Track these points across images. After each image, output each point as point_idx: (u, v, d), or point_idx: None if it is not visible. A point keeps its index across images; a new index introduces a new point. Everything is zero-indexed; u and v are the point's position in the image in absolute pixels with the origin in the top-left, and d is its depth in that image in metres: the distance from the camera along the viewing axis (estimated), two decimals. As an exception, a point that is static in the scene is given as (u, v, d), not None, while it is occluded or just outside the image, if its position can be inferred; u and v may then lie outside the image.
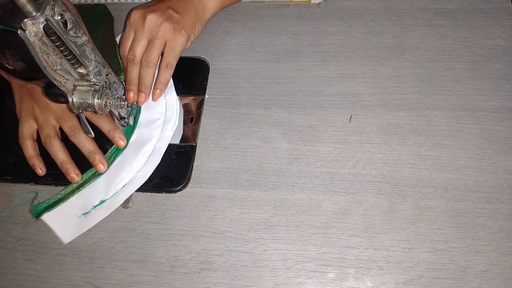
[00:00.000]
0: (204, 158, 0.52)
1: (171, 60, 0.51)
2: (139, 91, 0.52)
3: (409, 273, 0.44)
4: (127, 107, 0.51)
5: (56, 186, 0.52)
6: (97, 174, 0.51)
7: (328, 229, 0.47)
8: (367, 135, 0.51)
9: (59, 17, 0.39)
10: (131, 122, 0.52)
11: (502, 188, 0.47)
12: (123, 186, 0.50)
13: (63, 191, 0.51)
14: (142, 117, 0.53)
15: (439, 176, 0.49)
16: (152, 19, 0.50)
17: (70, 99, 0.45)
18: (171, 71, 0.52)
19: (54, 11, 0.39)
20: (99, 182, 0.51)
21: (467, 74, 0.54)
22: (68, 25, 0.41)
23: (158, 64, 0.51)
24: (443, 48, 0.56)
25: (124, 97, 0.50)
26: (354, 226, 0.47)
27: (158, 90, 0.52)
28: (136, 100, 0.52)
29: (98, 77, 0.47)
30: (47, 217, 0.49)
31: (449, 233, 0.46)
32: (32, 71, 0.41)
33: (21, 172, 0.54)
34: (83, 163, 0.52)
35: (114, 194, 0.50)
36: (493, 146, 0.50)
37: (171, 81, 0.54)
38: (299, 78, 0.56)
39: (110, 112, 0.50)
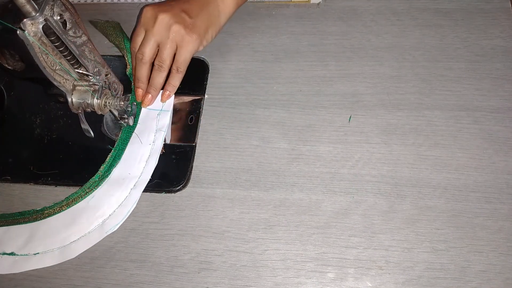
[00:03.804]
0: (204, 158, 0.52)
1: (181, 65, 0.51)
2: (147, 92, 0.52)
3: (409, 273, 0.44)
4: (127, 107, 0.51)
5: (56, 186, 0.52)
6: (39, 219, 0.49)
7: (327, 229, 0.47)
8: (367, 135, 0.51)
9: (58, 17, 0.39)
10: (131, 122, 0.52)
11: (502, 188, 0.47)
12: (36, 254, 0.47)
13: (10, 216, 0.50)
14: (102, 189, 0.50)
15: (439, 176, 0.49)
16: (163, 20, 0.49)
17: (69, 99, 0.45)
18: (182, 75, 0.52)
19: (53, 11, 0.39)
20: (28, 227, 0.48)
21: (467, 74, 0.54)
22: (68, 25, 0.41)
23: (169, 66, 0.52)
24: (443, 48, 0.56)
25: (123, 97, 0.50)
26: (353, 226, 0.47)
27: (168, 92, 0.53)
28: (142, 100, 0.52)
29: (98, 77, 0.47)
30: None
31: (448, 233, 0.46)
32: (32, 71, 0.41)
33: (21, 172, 0.54)
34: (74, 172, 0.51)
35: (25, 255, 0.47)
36: (493, 146, 0.49)
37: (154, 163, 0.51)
38: (299, 78, 0.56)
39: (110, 112, 0.50)
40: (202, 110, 0.55)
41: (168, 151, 0.52)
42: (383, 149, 0.50)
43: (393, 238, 0.46)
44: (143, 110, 0.53)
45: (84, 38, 0.44)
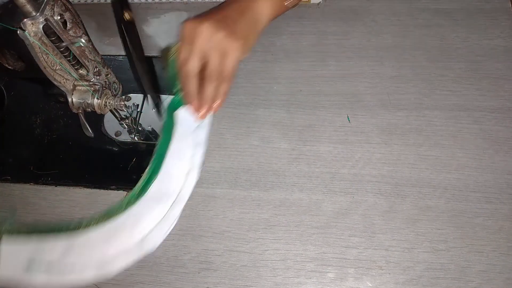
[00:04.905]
0: (204, 158, 0.52)
1: (229, 73, 0.48)
2: (201, 104, 0.49)
3: (409, 273, 0.44)
4: (128, 108, 0.51)
5: (56, 186, 0.52)
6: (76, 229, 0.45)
7: (327, 229, 0.47)
8: (367, 135, 0.51)
9: (59, 17, 0.39)
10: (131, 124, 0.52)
11: (502, 188, 0.47)
12: (71, 273, 0.43)
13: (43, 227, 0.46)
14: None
15: (439, 176, 0.48)
16: (204, 30, 0.46)
17: (69, 99, 0.45)
18: (230, 83, 0.49)
19: (54, 11, 0.39)
20: (64, 239, 0.44)
21: (467, 74, 0.54)
22: (68, 25, 0.41)
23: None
24: (443, 48, 0.56)
25: (123, 97, 0.50)
26: (353, 226, 0.47)
27: (219, 101, 0.49)
28: (198, 113, 0.49)
29: (98, 77, 0.47)
30: (4, 242, 0.44)
31: (448, 233, 0.46)
32: (32, 71, 0.41)
33: (21, 172, 0.54)
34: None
35: (60, 272, 0.43)
36: (493, 146, 0.49)
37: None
38: (299, 78, 0.56)
39: (111, 112, 0.50)
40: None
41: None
42: (383, 149, 0.50)
43: (393, 238, 0.46)
44: (179, 124, 0.50)
45: (84, 38, 0.44)
